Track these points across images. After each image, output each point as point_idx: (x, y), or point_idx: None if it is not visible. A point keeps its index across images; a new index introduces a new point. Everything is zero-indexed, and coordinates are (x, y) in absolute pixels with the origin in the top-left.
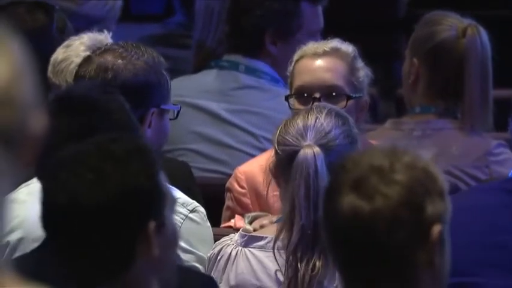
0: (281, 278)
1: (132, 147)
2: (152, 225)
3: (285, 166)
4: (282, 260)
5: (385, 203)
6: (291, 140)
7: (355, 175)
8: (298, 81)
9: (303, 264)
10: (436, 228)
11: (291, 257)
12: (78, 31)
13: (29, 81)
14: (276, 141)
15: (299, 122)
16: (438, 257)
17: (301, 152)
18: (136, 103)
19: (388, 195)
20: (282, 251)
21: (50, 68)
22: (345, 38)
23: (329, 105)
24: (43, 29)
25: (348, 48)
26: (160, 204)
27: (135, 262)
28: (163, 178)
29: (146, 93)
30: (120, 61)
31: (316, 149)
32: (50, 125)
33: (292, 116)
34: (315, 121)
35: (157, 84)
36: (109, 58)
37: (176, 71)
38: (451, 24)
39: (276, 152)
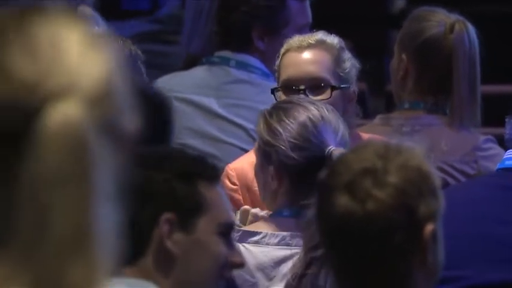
0: (273, 274)
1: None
2: (167, 216)
3: (304, 170)
4: (275, 255)
5: (377, 207)
6: (307, 145)
7: (348, 177)
8: (284, 75)
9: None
10: (429, 228)
11: (309, 258)
12: None
13: (123, 79)
14: (287, 147)
15: (307, 122)
16: (431, 255)
17: (336, 154)
18: None
19: (381, 198)
20: (277, 247)
21: None
22: (337, 32)
23: (308, 98)
24: None
25: (333, 40)
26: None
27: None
28: None
29: None
30: None
31: (342, 150)
32: None
33: (288, 115)
34: (322, 118)
35: None
36: None
37: (166, 67)
38: (439, 20)
39: (290, 158)
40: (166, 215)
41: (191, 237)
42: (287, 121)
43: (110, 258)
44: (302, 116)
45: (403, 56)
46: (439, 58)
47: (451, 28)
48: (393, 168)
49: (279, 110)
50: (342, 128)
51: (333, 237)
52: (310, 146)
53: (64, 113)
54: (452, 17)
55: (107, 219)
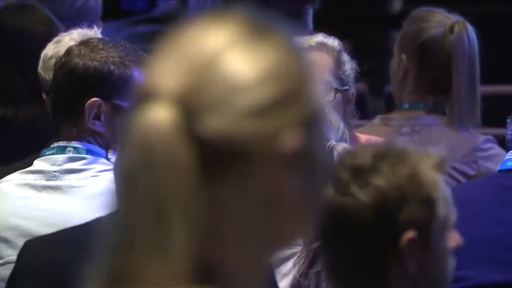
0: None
1: None
2: None
3: None
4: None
5: (355, 204)
6: None
7: (338, 172)
8: None
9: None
10: (407, 235)
11: (312, 253)
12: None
13: (277, 90)
14: None
15: None
16: (413, 265)
17: (339, 151)
18: (79, 89)
19: (359, 197)
20: None
21: (40, 63)
22: (336, 32)
23: None
24: (33, 29)
25: (333, 42)
26: None
27: None
28: None
29: (89, 81)
30: (84, 48)
31: (345, 145)
32: None
33: None
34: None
35: (108, 75)
36: (80, 45)
37: None
38: (439, 20)
39: None
40: None
41: None
42: None
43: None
44: None
45: (403, 57)
46: (438, 58)
47: (451, 29)
48: (382, 170)
49: None
50: (341, 126)
51: (321, 231)
52: None
53: (149, 114)
54: (452, 18)
55: (172, 229)
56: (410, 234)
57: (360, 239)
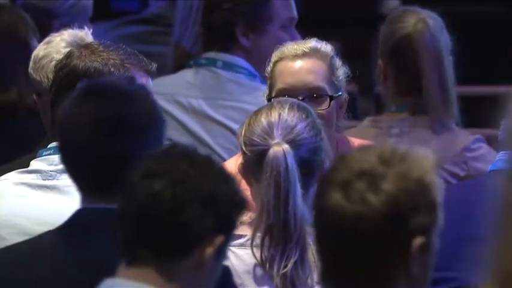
0: (259, 274)
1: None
2: (220, 239)
3: (254, 166)
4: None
5: (367, 211)
6: (258, 140)
7: (345, 176)
8: (280, 84)
9: (275, 262)
10: (417, 241)
11: (263, 256)
12: (37, 25)
13: None
14: (242, 142)
15: (263, 120)
16: (417, 268)
17: (271, 151)
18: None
19: (372, 203)
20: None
21: (31, 64)
22: (325, 33)
23: (289, 99)
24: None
25: (326, 47)
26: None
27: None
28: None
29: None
30: (85, 50)
31: (286, 146)
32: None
33: (254, 114)
34: (279, 117)
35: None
36: (81, 48)
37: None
38: (408, 21)
39: (244, 153)
40: (220, 238)
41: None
42: (250, 120)
43: None
44: (263, 114)
45: (379, 61)
46: (407, 59)
47: (414, 28)
48: (392, 176)
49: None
50: (300, 128)
51: (322, 232)
52: (259, 141)
53: None
54: (420, 16)
55: None
56: (420, 240)
57: (370, 244)
